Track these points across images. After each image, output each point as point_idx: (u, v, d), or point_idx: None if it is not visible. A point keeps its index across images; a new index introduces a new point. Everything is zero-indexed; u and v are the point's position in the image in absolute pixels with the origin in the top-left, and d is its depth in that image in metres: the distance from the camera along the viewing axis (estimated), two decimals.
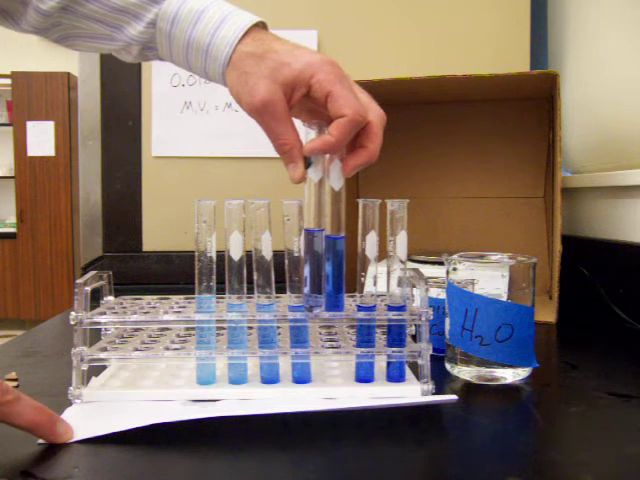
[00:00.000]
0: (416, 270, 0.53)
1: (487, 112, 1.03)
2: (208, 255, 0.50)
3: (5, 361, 0.63)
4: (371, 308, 0.52)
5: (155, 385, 0.53)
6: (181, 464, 0.40)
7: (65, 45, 0.60)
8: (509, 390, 0.54)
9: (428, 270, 0.65)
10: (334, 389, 0.51)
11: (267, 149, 0.55)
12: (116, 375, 0.55)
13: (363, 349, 0.52)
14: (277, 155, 0.54)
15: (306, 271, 0.51)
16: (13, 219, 4.20)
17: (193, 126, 1.07)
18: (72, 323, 0.50)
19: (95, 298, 0.56)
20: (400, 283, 0.52)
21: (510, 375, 0.55)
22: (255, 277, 0.51)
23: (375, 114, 0.54)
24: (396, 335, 0.52)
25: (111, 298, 0.61)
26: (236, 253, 0.50)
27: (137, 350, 0.53)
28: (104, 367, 0.56)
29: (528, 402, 0.53)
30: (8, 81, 4.04)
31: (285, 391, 0.51)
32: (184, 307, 0.58)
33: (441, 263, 0.72)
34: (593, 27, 0.95)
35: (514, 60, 1.04)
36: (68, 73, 3.98)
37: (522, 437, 0.45)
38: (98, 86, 1.09)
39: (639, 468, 0.39)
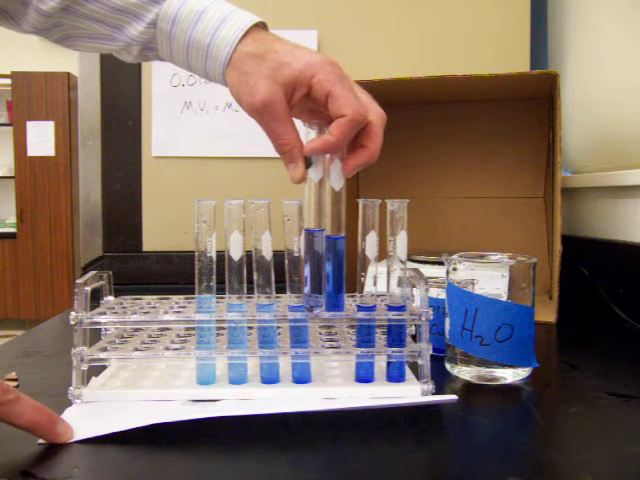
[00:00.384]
0: (416, 270, 0.53)
1: (487, 112, 1.03)
2: (208, 255, 0.50)
3: (5, 361, 0.63)
4: (371, 308, 0.52)
5: (155, 385, 0.53)
6: (181, 464, 0.40)
7: (65, 45, 0.60)
8: (509, 390, 0.54)
9: (428, 270, 0.65)
10: (334, 389, 0.51)
11: (267, 149, 0.55)
12: (116, 375, 0.55)
13: (363, 349, 0.52)
14: (277, 155, 0.54)
15: (306, 271, 0.51)
16: (13, 219, 4.20)
17: (193, 126, 1.07)
18: (72, 323, 0.50)
19: (95, 298, 0.56)
20: (400, 283, 0.52)
21: (510, 375, 0.55)
22: (255, 277, 0.51)
23: (375, 114, 0.54)
24: (396, 335, 0.52)
25: (111, 298, 0.61)
26: (236, 253, 0.50)
27: (137, 350, 0.53)
28: (104, 367, 0.56)
29: (528, 402, 0.53)
30: (8, 81, 4.04)
31: (285, 391, 0.51)
32: (184, 307, 0.58)
33: (441, 263, 0.72)
34: (593, 27, 0.95)
35: (514, 60, 1.04)
36: (68, 73, 3.98)
37: (522, 437, 0.45)
38: (98, 86, 1.09)
39: (639, 468, 0.39)
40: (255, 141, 1.05)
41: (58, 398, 0.49)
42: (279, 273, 0.51)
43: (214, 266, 0.51)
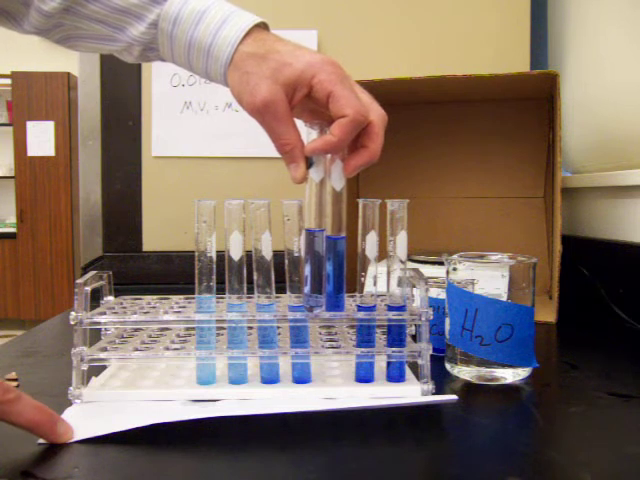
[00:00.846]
0: (416, 270, 0.53)
1: (487, 112, 1.03)
2: (208, 255, 0.50)
3: (5, 361, 0.63)
4: (371, 308, 0.52)
5: (155, 385, 0.53)
6: (181, 464, 0.40)
7: (67, 46, 0.60)
8: (509, 390, 0.54)
9: (428, 270, 0.66)
10: (334, 389, 0.51)
11: (267, 149, 0.55)
12: (116, 375, 0.55)
13: (363, 349, 0.52)
14: (277, 155, 0.54)
15: (307, 271, 0.51)
16: (13, 219, 4.20)
17: (193, 126, 1.07)
18: (72, 323, 0.50)
19: (95, 298, 0.56)
20: (400, 283, 0.52)
21: (510, 375, 0.55)
22: (255, 277, 0.51)
23: (376, 114, 0.54)
24: (396, 335, 0.52)
25: (111, 298, 0.61)
26: (236, 253, 0.50)
27: (137, 350, 0.53)
28: (104, 367, 0.56)
29: (528, 402, 0.53)
30: (8, 81, 4.04)
31: (285, 391, 0.51)
32: (184, 307, 0.58)
33: (441, 263, 0.72)
34: (593, 27, 0.95)
35: (514, 60, 1.04)
36: (68, 73, 3.98)
37: (522, 437, 0.45)
38: (98, 86, 1.09)
39: (639, 468, 0.39)
40: (255, 141, 1.05)
41: (58, 398, 0.49)
42: (279, 273, 0.51)
43: (214, 266, 0.51)
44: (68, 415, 0.46)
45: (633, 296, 0.79)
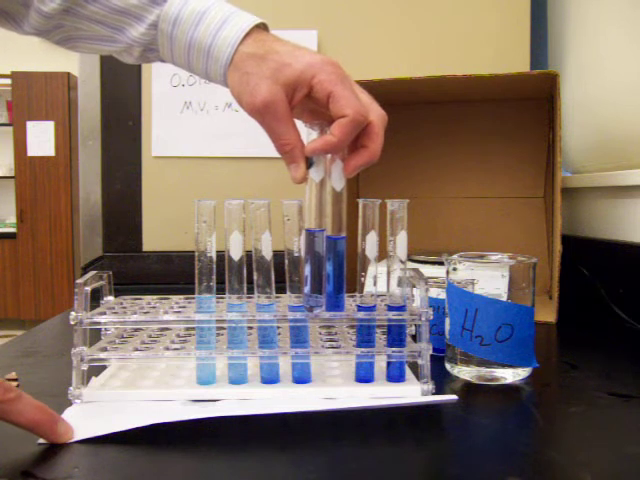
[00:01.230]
0: (416, 270, 0.53)
1: (487, 112, 1.03)
2: (208, 255, 0.50)
3: (5, 361, 0.63)
4: (371, 308, 0.52)
5: (155, 385, 0.53)
6: (181, 464, 0.40)
7: (67, 47, 0.60)
8: (509, 390, 0.54)
9: (428, 270, 0.65)
10: (334, 389, 0.51)
11: (267, 149, 0.55)
12: (116, 375, 0.55)
13: (363, 349, 0.52)
14: (277, 155, 0.54)
15: (307, 271, 0.51)
16: (13, 219, 4.20)
17: (193, 126, 1.07)
18: (72, 323, 0.50)
19: (95, 298, 0.56)
20: (400, 283, 0.52)
21: (510, 375, 0.55)
22: (255, 277, 0.51)
23: (376, 114, 0.54)
24: (396, 335, 0.52)
25: (111, 298, 0.61)
26: (236, 253, 0.50)
27: (137, 350, 0.53)
28: (104, 367, 0.56)
29: (528, 402, 0.53)
30: (8, 81, 4.04)
31: (285, 391, 0.51)
32: (184, 307, 0.58)
33: (441, 263, 0.72)
34: (593, 27, 0.95)
35: (514, 60, 1.04)
36: (68, 73, 3.98)
37: (522, 437, 0.45)
38: (98, 86, 1.09)
39: (639, 468, 0.39)
40: (255, 141, 1.05)
41: (58, 398, 0.49)
42: (279, 273, 0.51)
43: (214, 266, 0.51)
44: (68, 415, 0.46)
45: (633, 296, 0.79)
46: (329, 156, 0.53)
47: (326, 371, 0.55)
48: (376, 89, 0.59)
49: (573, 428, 0.47)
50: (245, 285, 0.51)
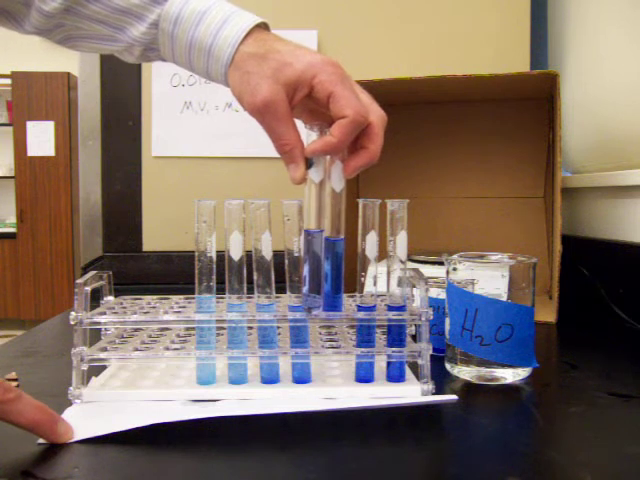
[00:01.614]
0: (416, 270, 0.53)
1: (487, 112, 1.03)
2: (208, 255, 0.50)
3: (5, 361, 0.63)
4: (371, 308, 0.52)
5: (155, 385, 0.53)
6: (181, 464, 0.40)
7: (67, 46, 0.60)
8: (509, 390, 0.54)
9: (428, 270, 0.65)
10: (334, 389, 0.51)
11: (267, 149, 0.55)
12: (116, 375, 0.55)
13: (363, 349, 0.52)
14: (277, 155, 0.54)
15: (305, 271, 0.51)
16: (13, 219, 4.20)
17: (193, 126, 1.07)
18: (72, 323, 0.50)
19: (95, 298, 0.56)
20: (400, 283, 0.52)
21: (510, 375, 0.55)
22: (255, 277, 0.51)
23: (376, 115, 0.54)
24: (396, 335, 0.52)
25: (111, 298, 0.61)
26: (236, 253, 0.50)
27: (137, 350, 0.53)
28: (104, 367, 0.56)
29: (528, 402, 0.53)
30: (8, 81, 4.04)
31: (285, 391, 0.51)
32: (184, 307, 0.58)
33: (441, 263, 0.72)
34: (593, 27, 0.95)
35: (514, 60, 1.04)
36: (68, 73, 3.98)
37: (522, 437, 0.45)
38: (98, 86, 1.09)
39: (639, 468, 0.39)
40: (255, 141, 1.05)
41: (58, 398, 0.49)
42: (279, 273, 0.51)
43: (214, 266, 0.51)
44: (68, 415, 0.46)
45: (633, 296, 0.79)
46: (329, 157, 0.53)
47: (326, 371, 0.55)
48: (376, 89, 0.59)
49: (573, 428, 0.47)
50: (245, 285, 0.51)
